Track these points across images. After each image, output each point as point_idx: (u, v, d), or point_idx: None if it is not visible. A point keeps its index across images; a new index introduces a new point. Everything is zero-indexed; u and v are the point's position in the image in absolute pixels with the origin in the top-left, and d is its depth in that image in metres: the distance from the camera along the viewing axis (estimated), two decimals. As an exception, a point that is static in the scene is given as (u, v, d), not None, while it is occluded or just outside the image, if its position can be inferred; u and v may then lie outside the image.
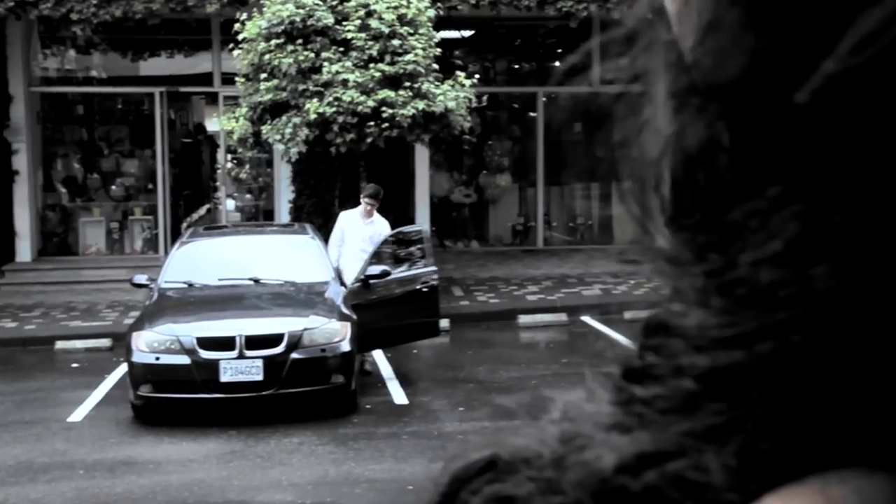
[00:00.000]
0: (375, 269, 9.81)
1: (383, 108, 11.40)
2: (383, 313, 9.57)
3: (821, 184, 0.31)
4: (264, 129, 11.93)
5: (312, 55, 11.64)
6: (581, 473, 0.36)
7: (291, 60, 11.58)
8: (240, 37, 12.10)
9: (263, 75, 11.82)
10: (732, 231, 0.33)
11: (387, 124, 11.45)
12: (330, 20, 11.67)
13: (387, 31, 11.65)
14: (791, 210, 0.32)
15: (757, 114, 0.33)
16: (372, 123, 11.45)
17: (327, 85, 11.55)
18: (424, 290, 9.94)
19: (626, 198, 0.40)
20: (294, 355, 8.74)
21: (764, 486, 0.32)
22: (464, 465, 0.41)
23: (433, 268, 10.09)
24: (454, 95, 11.79)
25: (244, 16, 12.19)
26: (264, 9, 11.99)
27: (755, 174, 0.33)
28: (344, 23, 11.74)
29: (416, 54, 11.66)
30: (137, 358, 8.76)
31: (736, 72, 0.33)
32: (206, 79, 16.20)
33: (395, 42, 11.66)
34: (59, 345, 11.76)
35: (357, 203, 11.07)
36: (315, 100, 11.49)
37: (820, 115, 0.31)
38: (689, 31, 0.35)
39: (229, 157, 17.78)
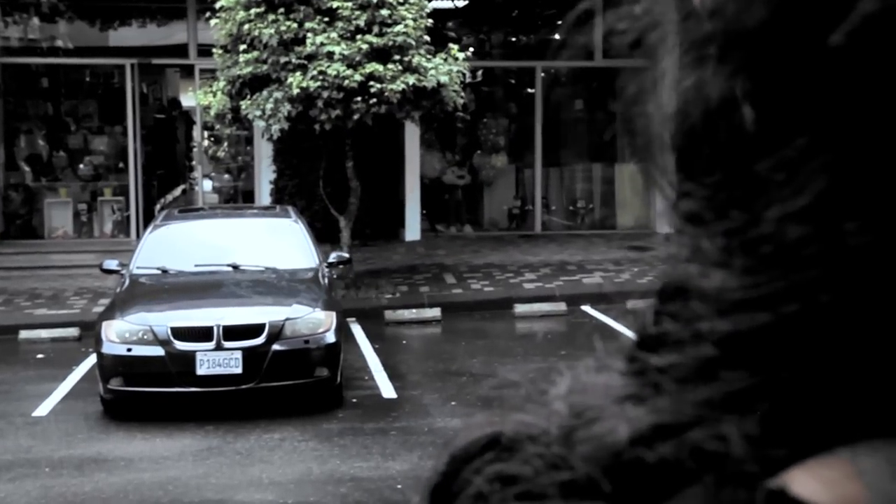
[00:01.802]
0: (333, 257, 10.23)
1: (371, 83, 11.37)
2: None
3: (852, 133, 0.31)
4: (243, 104, 11.89)
5: (295, 25, 11.59)
6: (592, 447, 0.36)
7: (272, 31, 11.53)
8: (217, 5, 12.05)
9: (242, 47, 11.77)
10: (757, 186, 0.33)
11: (375, 100, 11.42)
12: (314, -12, 11.62)
13: (375, -1, 11.61)
14: (820, 161, 0.32)
15: (784, 60, 0.33)
16: (359, 99, 11.42)
17: (311, 57, 11.51)
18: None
19: (640, 156, 0.39)
20: (275, 347, 8.74)
21: (788, 458, 0.32)
22: (464, 444, 0.41)
23: None
24: (447, 70, 11.76)
25: (222, -17, 12.13)
26: (244, -25, 11.93)
27: (781, 125, 0.33)
28: (329, -9, 11.69)
29: (406, 25, 11.62)
30: (108, 349, 8.75)
31: (761, 17, 0.33)
32: (180, 50, 16.13)
33: (384, 12, 11.62)
34: (24, 334, 11.74)
35: (342, 180, 11.08)
36: (298, 73, 11.45)
37: (853, 59, 0.31)
38: None
39: (206, 134, 17.72)
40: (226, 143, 18.08)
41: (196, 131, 17.41)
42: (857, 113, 0.31)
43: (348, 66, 11.39)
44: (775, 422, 0.32)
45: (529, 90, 17.24)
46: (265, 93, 11.69)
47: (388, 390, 9.44)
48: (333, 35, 11.49)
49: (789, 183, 0.32)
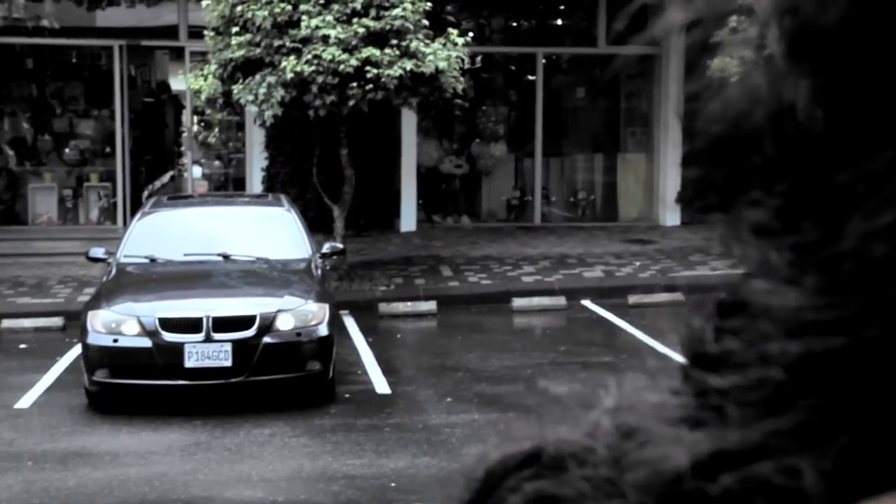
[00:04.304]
0: (326, 248, 10.33)
1: (367, 68, 11.34)
2: None
3: None
4: (235, 88, 11.86)
5: (290, 7, 11.56)
6: (645, 474, 0.34)
7: (266, 13, 11.50)
8: (209, -14, 12.01)
9: (235, 29, 11.74)
10: (835, 198, 0.32)
11: (371, 86, 11.40)
12: (309, -31, 11.59)
13: (372, -18, 11.57)
14: None
15: (868, 62, 0.31)
16: (354, 84, 11.39)
17: (306, 41, 11.48)
18: None
19: (698, 159, 0.38)
20: (266, 339, 8.74)
21: (860, 495, 0.31)
22: (501, 457, 0.39)
23: None
24: (445, 55, 11.73)
25: (214, -38, 12.09)
26: (237, -45, 11.89)
27: (864, 132, 0.31)
28: (325, -28, 11.66)
29: (404, 9, 11.59)
30: (93, 339, 8.74)
31: (843, 13, 0.31)
32: (170, 32, 16.08)
33: (382, -6, 11.59)
34: (6, 323, 11.72)
35: (337, 168, 11.07)
36: (292, 57, 11.42)
37: None
38: None
39: (196, 119, 17.68)
40: (216, 129, 18.03)
41: (186, 116, 17.37)
42: None
43: (344, 51, 11.36)
44: (850, 455, 0.31)
45: (530, 77, 17.21)
46: (258, 77, 11.66)
47: (381, 385, 9.44)
48: (329, 18, 11.46)
49: (873, 197, 0.31)
